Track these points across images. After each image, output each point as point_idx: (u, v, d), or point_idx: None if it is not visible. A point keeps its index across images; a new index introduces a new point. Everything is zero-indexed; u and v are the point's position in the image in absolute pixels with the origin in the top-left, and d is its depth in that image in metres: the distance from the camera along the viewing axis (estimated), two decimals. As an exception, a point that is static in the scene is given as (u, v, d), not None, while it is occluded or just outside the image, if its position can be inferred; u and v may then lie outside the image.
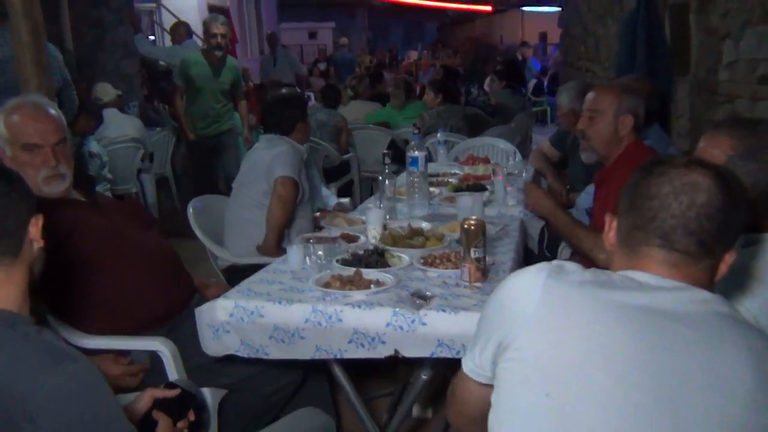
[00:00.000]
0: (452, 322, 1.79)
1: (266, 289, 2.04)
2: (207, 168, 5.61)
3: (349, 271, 2.13)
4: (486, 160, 4.21)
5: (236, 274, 3.16)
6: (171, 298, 2.25)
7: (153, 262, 2.26)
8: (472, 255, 2.01)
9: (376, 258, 2.23)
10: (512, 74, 7.20)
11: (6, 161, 2.11)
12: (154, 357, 2.18)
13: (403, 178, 3.84)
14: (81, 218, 2.19)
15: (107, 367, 2.10)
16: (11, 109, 2.13)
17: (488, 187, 3.46)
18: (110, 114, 5.50)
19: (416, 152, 3.01)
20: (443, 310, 1.82)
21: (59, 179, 2.15)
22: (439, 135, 4.27)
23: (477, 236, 2.01)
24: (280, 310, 1.91)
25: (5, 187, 1.30)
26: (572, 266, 1.18)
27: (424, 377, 2.05)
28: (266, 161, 3.09)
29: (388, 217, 2.77)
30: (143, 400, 1.66)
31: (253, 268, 3.07)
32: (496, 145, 4.94)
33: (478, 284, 2.02)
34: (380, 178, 2.98)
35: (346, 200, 4.05)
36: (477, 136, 5.59)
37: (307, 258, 2.28)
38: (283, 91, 5.05)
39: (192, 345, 2.09)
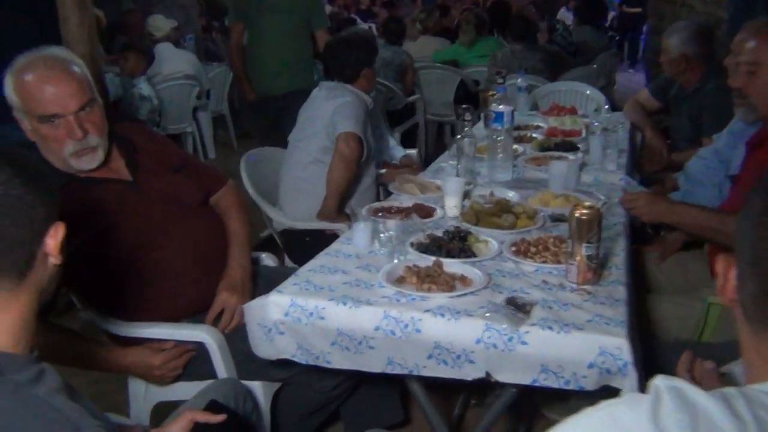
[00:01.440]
0: (560, 343, 1.42)
1: (327, 281, 1.70)
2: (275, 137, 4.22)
3: (427, 260, 1.77)
4: (573, 110, 3.73)
5: (293, 238, 2.86)
6: (216, 288, 1.94)
7: (198, 253, 1.93)
8: (584, 252, 1.62)
9: (459, 244, 1.85)
10: (592, 8, 6.49)
11: (28, 134, 1.78)
12: (200, 350, 1.90)
13: (480, 130, 3.43)
14: (119, 204, 1.87)
15: (147, 357, 1.83)
16: (20, 70, 1.72)
17: (580, 145, 3.01)
18: (163, 49, 5.17)
19: (501, 106, 2.57)
20: (549, 328, 1.44)
21: (90, 153, 1.80)
22: (519, 80, 3.78)
23: (591, 229, 1.61)
24: (344, 313, 1.57)
25: (18, 184, 0.97)
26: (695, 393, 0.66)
27: (513, 390, 1.69)
28: (327, 114, 2.71)
29: (468, 184, 2.38)
30: (181, 424, 1.37)
31: (311, 234, 2.80)
32: (581, 91, 4.41)
33: (587, 287, 1.63)
34: (458, 136, 2.57)
35: (413, 152, 3.64)
36: (556, 79, 5.05)
37: (376, 239, 1.93)
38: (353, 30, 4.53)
39: (241, 336, 1.80)
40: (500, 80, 2.99)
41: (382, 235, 1.92)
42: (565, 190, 2.40)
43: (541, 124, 3.52)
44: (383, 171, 3.07)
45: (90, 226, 1.80)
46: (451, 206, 2.21)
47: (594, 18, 6.36)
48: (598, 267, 1.65)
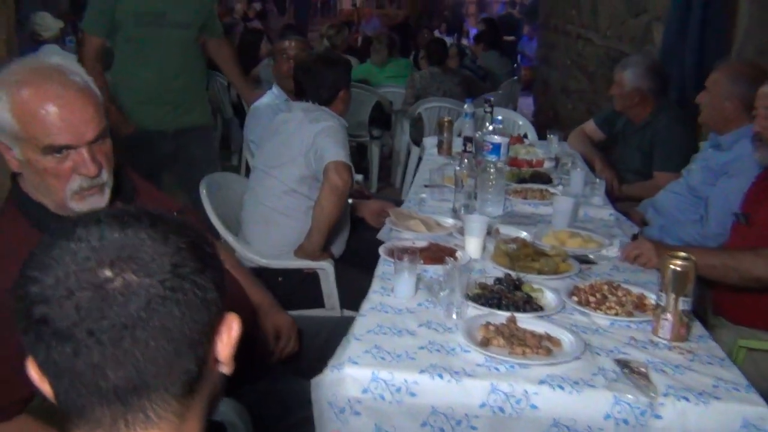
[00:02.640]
0: (699, 415, 1.29)
1: (401, 347, 1.46)
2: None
3: (497, 316, 1.58)
4: (519, 139, 3.69)
5: (262, 278, 2.53)
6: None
7: None
8: (681, 306, 1.50)
9: (522, 295, 1.68)
10: (497, 34, 6.63)
11: (12, 164, 1.37)
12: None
13: (435, 157, 3.29)
14: None
15: None
16: (20, 85, 1.31)
17: (552, 177, 2.95)
18: (52, 52, 4.52)
19: (497, 137, 2.45)
20: (685, 399, 1.30)
21: (98, 193, 1.41)
22: (466, 106, 3.69)
23: (688, 281, 1.50)
24: (442, 388, 1.34)
25: (190, 260, 0.69)
26: None
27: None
28: (307, 139, 2.42)
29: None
30: None
31: (286, 273, 2.49)
32: (512, 119, 4.41)
33: (682, 344, 1.52)
34: (457, 168, 2.41)
35: (359, 177, 3.43)
36: (471, 103, 5.06)
37: (420, 288, 1.71)
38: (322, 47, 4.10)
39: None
40: (488, 108, 2.84)
41: (435, 287, 1.70)
42: (568, 227, 2.31)
43: (494, 153, 3.44)
44: (350, 201, 2.82)
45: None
46: (474, 247, 2.03)
47: (499, 43, 6.49)
48: (690, 321, 1.55)
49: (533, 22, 11.86)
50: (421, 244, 2.09)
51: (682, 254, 1.52)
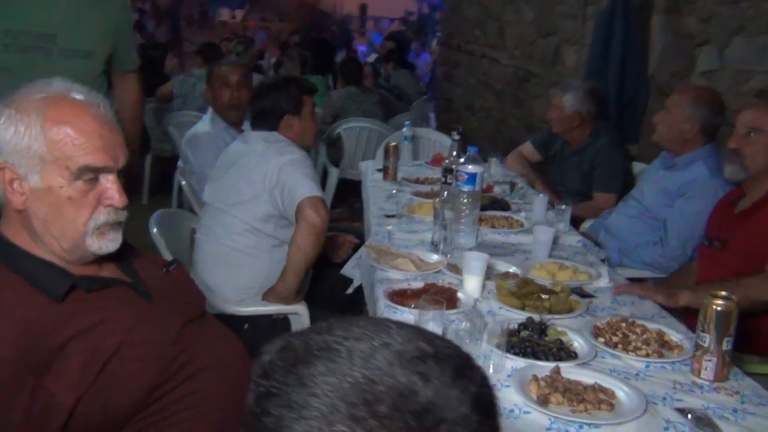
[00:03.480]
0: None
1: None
2: None
3: (540, 367, 1.48)
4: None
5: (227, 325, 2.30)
6: None
7: (232, 374, 1.39)
8: (725, 347, 1.48)
9: (554, 341, 1.59)
10: (403, 53, 6.64)
11: (14, 200, 1.20)
12: None
13: (381, 183, 3.18)
14: (133, 319, 1.27)
15: None
16: (55, 101, 1.22)
17: (509, 202, 2.91)
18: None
19: (471, 167, 2.37)
20: (761, 447, 1.27)
21: (116, 230, 1.29)
22: (405, 129, 3.60)
23: (731, 321, 1.48)
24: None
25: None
26: None
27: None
28: (271, 174, 2.22)
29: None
30: None
31: (252, 320, 2.27)
32: (438, 140, 4.38)
33: (721, 383, 1.50)
34: (437, 200, 2.30)
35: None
36: (387, 124, 5.01)
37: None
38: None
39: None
40: (455, 135, 2.75)
41: (461, 332, 1.57)
42: (546, 258, 2.28)
43: (436, 176, 3.38)
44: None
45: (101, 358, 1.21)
46: (474, 286, 1.93)
47: (408, 62, 6.49)
48: (730, 360, 1.53)
49: (421, 39, 12.10)
50: (417, 284, 1.96)
51: (723, 293, 1.50)
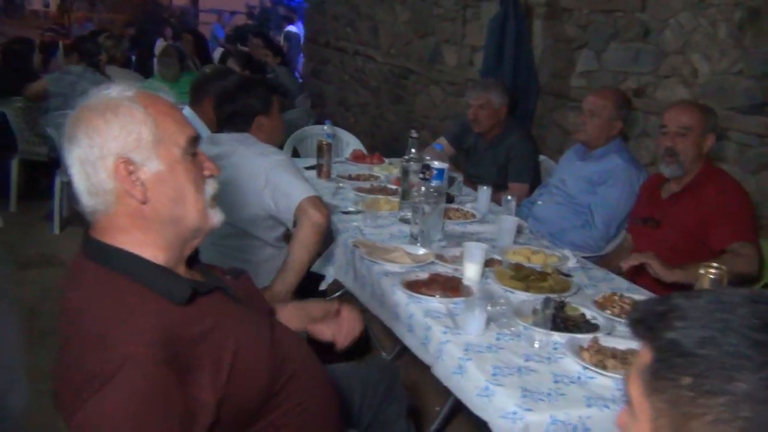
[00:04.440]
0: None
1: (541, 385, 1.48)
2: None
3: (580, 339, 1.69)
4: (379, 158, 3.79)
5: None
6: None
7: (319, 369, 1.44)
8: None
9: (580, 316, 1.81)
10: (278, 47, 6.60)
11: (136, 193, 1.19)
12: None
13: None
14: (230, 324, 1.27)
15: None
16: (139, 90, 1.24)
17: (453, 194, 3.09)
18: None
19: (437, 163, 2.53)
20: None
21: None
22: (326, 127, 3.66)
23: (724, 285, 1.78)
24: (612, 417, 1.40)
25: None
26: None
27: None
28: (258, 176, 2.22)
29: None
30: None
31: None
32: (342, 138, 4.48)
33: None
34: (416, 193, 2.42)
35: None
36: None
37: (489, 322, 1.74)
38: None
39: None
40: (441, 139, 2.86)
41: (503, 319, 1.73)
42: (511, 245, 2.51)
43: (369, 173, 3.50)
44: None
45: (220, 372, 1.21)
46: (474, 273, 2.10)
47: (291, 59, 6.46)
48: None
49: (269, 29, 11.99)
50: (423, 276, 2.09)
51: (714, 264, 1.80)
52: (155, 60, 6.37)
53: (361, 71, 6.62)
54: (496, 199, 3.08)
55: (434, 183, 2.52)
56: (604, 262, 2.65)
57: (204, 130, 2.85)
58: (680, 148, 2.47)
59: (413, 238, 2.43)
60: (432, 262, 2.24)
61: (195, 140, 1.25)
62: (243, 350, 1.25)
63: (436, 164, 2.52)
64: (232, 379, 1.20)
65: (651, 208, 2.65)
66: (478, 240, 2.57)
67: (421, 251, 2.33)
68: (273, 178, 2.21)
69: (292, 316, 1.58)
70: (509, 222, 2.51)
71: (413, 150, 2.71)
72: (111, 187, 1.18)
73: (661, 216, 2.57)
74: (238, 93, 2.37)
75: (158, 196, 1.20)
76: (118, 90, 1.22)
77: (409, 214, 2.67)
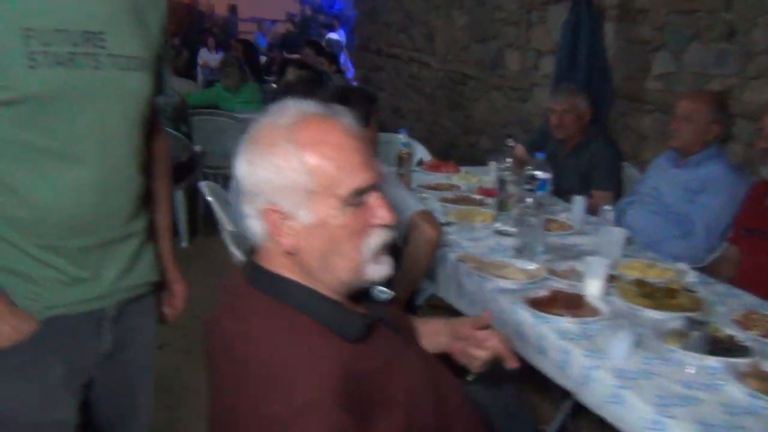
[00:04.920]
0: None
1: (716, 417, 1.37)
2: None
3: (739, 364, 1.57)
4: (454, 167, 3.70)
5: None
6: None
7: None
8: None
9: (728, 338, 1.69)
10: (333, 56, 6.57)
11: (284, 241, 1.09)
12: None
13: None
14: (395, 363, 1.18)
15: None
16: (303, 125, 1.08)
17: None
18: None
19: (540, 172, 2.43)
20: None
21: (386, 252, 1.17)
22: (402, 136, 3.58)
23: None
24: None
25: None
26: None
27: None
28: None
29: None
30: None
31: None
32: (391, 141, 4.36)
33: None
34: (517, 204, 2.32)
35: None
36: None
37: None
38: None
39: None
40: (512, 143, 2.77)
41: (647, 343, 1.62)
42: (619, 258, 2.39)
43: (448, 182, 3.40)
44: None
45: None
46: (596, 290, 1.99)
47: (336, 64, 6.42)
48: None
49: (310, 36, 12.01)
50: (543, 293, 1.99)
51: None
52: (198, 69, 6.37)
53: (415, 78, 6.55)
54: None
55: (539, 194, 2.42)
56: (706, 274, 2.52)
57: None
58: None
59: (518, 252, 2.32)
60: (545, 278, 2.14)
61: (364, 190, 1.10)
62: (413, 387, 1.17)
63: (540, 174, 2.42)
64: (407, 420, 1.12)
65: (756, 217, 2.51)
66: (581, 252, 2.47)
67: (531, 266, 2.22)
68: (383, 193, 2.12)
69: (439, 333, 1.46)
70: (616, 234, 2.39)
71: (509, 159, 2.60)
72: (262, 226, 1.11)
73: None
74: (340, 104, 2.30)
75: (308, 249, 1.09)
76: (278, 119, 1.09)
77: (506, 226, 2.58)
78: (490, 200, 3.00)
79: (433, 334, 1.45)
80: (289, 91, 2.91)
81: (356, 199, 1.09)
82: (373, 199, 1.12)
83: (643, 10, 4.13)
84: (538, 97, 5.04)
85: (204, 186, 2.78)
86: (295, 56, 11.10)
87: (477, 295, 2.13)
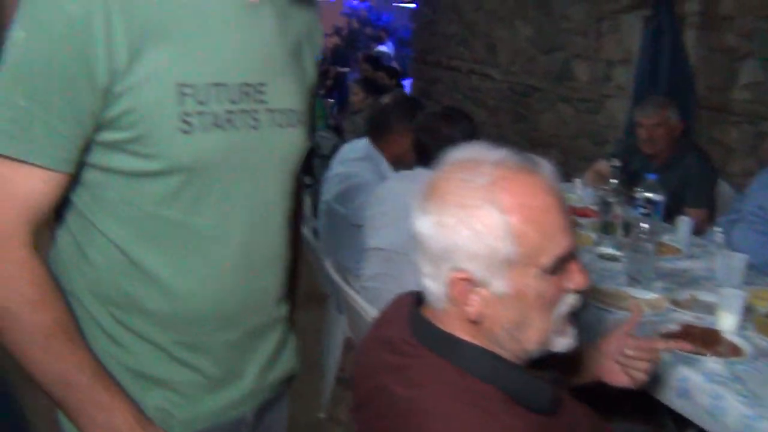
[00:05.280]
0: None
1: None
2: None
3: None
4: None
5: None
6: None
7: None
8: None
9: None
10: (394, 69, 6.52)
11: (469, 310, 0.98)
12: None
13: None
14: (582, 424, 1.08)
15: None
16: (505, 181, 0.96)
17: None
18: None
19: (654, 195, 2.29)
20: None
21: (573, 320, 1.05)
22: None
23: None
24: None
25: None
26: None
27: None
28: None
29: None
30: None
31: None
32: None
33: None
34: (642, 226, 2.19)
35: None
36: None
37: None
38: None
39: None
40: (617, 162, 2.65)
41: None
42: (741, 285, 2.24)
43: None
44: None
45: None
46: (731, 324, 1.85)
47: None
48: None
49: (359, 50, 11.97)
50: (674, 327, 1.86)
51: None
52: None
53: (476, 90, 6.44)
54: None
55: (657, 217, 2.29)
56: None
57: (384, 168, 2.72)
58: None
59: (632, 279, 2.20)
60: (669, 309, 2.01)
61: (567, 257, 0.98)
62: None
63: (655, 197, 2.29)
64: None
65: None
66: (695, 279, 2.34)
67: (649, 295, 2.09)
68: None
69: (579, 361, 1.34)
70: (737, 259, 2.24)
71: (615, 181, 2.48)
72: (444, 290, 1.00)
73: None
74: (443, 126, 2.22)
75: (494, 319, 0.98)
76: (474, 175, 0.97)
77: (611, 250, 2.45)
78: (583, 221, 2.88)
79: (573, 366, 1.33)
80: (389, 115, 2.83)
81: (558, 267, 0.97)
82: (574, 264, 1.00)
83: (728, 17, 3.96)
84: (610, 109, 4.89)
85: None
86: (346, 69, 11.14)
87: (594, 327, 2.01)
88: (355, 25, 13.35)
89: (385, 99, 2.82)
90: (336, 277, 2.23)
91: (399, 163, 2.65)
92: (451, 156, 1.04)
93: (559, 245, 0.96)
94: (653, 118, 3.28)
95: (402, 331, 1.07)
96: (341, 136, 5.16)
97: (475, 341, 1.00)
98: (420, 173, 2.24)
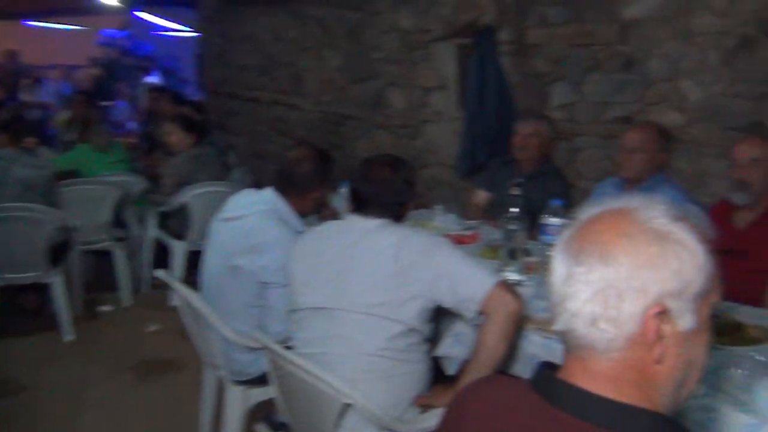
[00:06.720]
0: None
1: None
2: None
3: None
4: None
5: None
6: None
7: None
8: None
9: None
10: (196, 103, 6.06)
11: (655, 350, 0.90)
12: None
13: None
14: None
15: None
16: (684, 219, 0.93)
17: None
18: None
19: (556, 219, 2.37)
20: None
21: None
22: (343, 189, 3.34)
23: None
24: None
25: None
26: None
27: None
28: (427, 267, 1.92)
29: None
30: None
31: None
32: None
33: None
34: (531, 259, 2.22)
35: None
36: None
37: None
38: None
39: None
40: (516, 191, 2.63)
41: None
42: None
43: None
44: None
45: None
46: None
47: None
48: None
49: (122, 81, 11.05)
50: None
51: None
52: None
53: (282, 121, 6.28)
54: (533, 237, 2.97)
55: (555, 240, 2.35)
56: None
57: (294, 220, 2.50)
58: (753, 179, 2.53)
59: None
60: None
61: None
62: None
63: (556, 221, 2.36)
64: None
65: (724, 238, 2.67)
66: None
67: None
68: (455, 273, 1.93)
69: None
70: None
71: (514, 209, 2.50)
72: (631, 331, 0.89)
73: (745, 246, 2.58)
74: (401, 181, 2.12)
75: (672, 359, 0.91)
76: (649, 210, 0.92)
77: (516, 276, 2.49)
78: (469, 247, 2.89)
79: None
80: (310, 175, 2.60)
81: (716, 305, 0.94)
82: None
83: (536, 44, 4.32)
84: (428, 133, 5.06)
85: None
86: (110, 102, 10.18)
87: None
88: (114, 54, 12.36)
89: (297, 154, 2.61)
90: (271, 344, 1.94)
91: (305, 214, 2.53)
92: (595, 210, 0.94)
93: (719, 285, 0.94)
94: (528, 128, 3.45)
95: (517, 395, 0.94)
96: (154, 180, 4.65)
97: (632, 401, 0.89)
98: (380, 225, 2.05)
